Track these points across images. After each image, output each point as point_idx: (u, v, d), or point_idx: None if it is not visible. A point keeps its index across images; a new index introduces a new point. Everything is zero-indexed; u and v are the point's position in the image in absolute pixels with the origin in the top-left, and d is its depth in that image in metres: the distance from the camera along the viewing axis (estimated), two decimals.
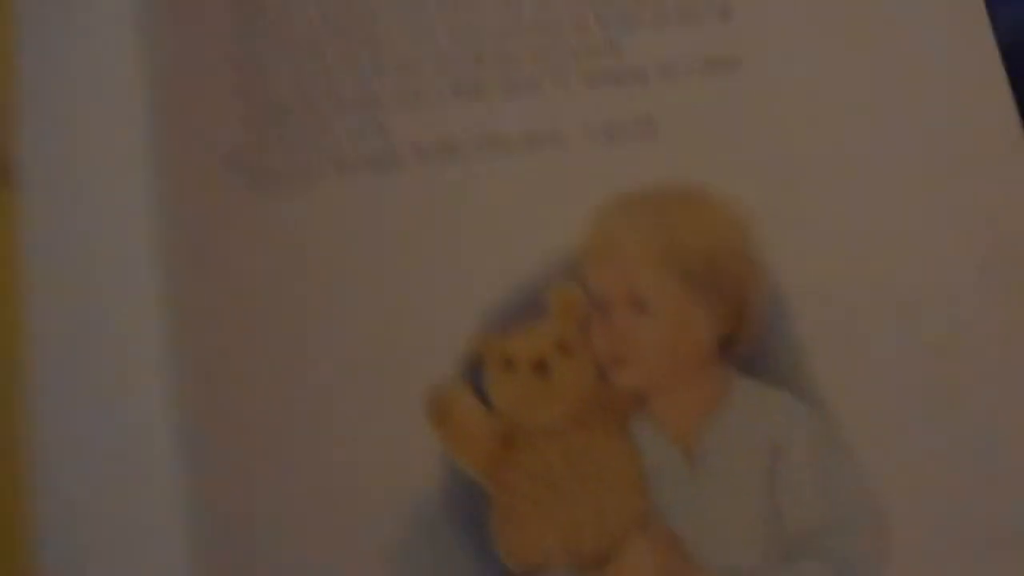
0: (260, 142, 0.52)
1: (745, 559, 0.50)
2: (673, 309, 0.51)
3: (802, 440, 0.51)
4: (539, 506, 0.51)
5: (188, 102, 0.53)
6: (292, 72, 0.53)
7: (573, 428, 0.51)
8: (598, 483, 0.51)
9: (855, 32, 0.55)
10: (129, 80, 0.53)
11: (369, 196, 0.53)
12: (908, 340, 0.51)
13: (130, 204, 0.52)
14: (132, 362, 0.51)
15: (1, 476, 0.50)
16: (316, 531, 0.50)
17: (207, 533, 0.49)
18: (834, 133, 0.53)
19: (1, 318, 0.50)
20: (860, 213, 0.52)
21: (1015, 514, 0.50)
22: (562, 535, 0.51)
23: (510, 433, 0.51)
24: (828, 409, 0.51)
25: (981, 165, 0.53)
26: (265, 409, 0.51)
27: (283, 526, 0.50)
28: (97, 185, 0.52)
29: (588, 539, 0.51)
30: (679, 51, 0.54)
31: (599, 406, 0.51)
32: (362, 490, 0.50)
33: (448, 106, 0.53)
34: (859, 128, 0.53)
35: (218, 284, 0.52)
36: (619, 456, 0.51)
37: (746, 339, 0.52)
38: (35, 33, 0.53)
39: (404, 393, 0.51)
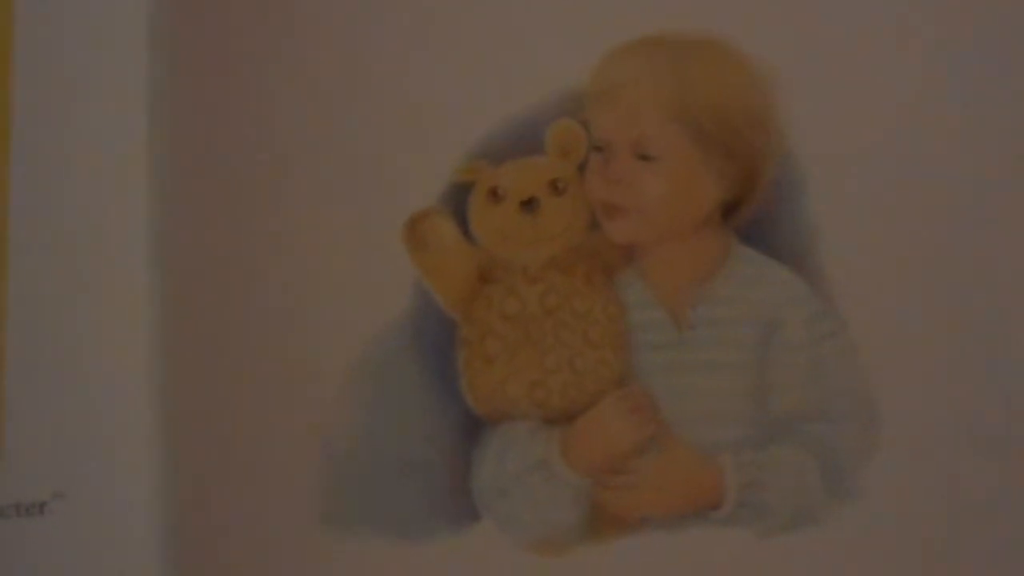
0: None
1: (725, 434, 0.47)
2: (679, 163, 0.47)
3: (800, 320, 0.47)
4: (509, 349, 0.47)
5: None
6: None
7: (556, 273, 0.47)
8: (574, 333, 0.47)
9: None
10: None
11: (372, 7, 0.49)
12: (922, 229, 0.48)
13: None
14: None
15: None
16: (286, 351, 0.46)
17: (180, 346, 0.46)
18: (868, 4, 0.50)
19: None
20: (885, 91, 0.49)
21: (999, 422, 0.47)
22: (530, 383, 0.47)
23: (489, 267, 0.47)
24: (831, 292, 0.47)
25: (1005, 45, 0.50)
26: (249, 228, 0.47)
27: (255, 344, 0.46)
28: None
29: (557, 391, 0.47)
30: None
31: (587, 254, 0.48)
32: (335, 312, 0.47)
33: None
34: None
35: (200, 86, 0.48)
36: (601, 309, 0.47)
37: (752, 207, 0.48)
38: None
39: (386, 217, 0.47)
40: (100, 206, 0.47)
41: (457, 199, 0.48)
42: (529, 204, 0.48)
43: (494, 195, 0.48)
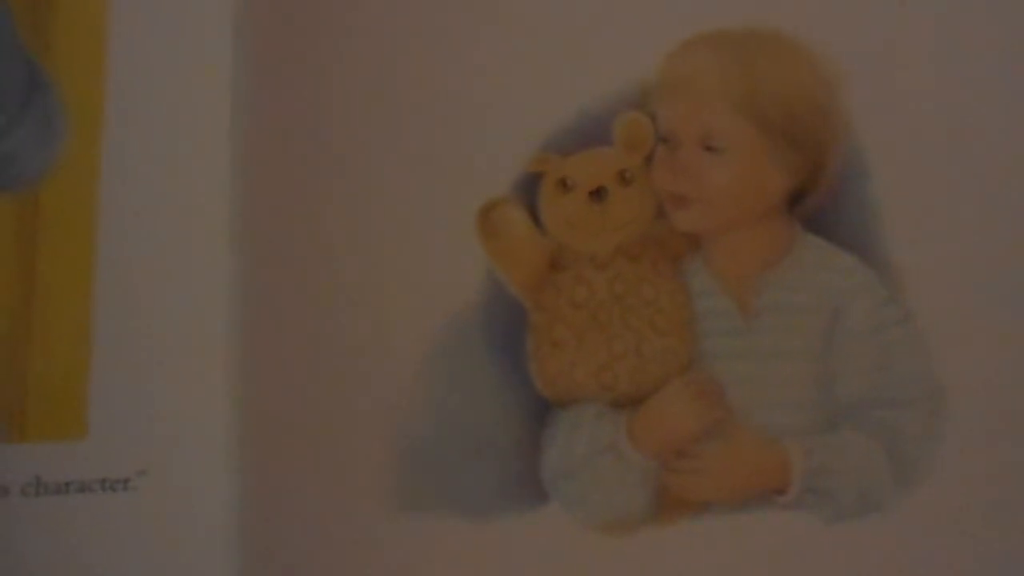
0: None
1: (790, 420, 0.47)
2: (745, 154, 0.48)
3: (865, 307, 0.48)
4: (578, 335, 0.48)
5: None
6: None
7: (623, 261, 0.48)
8: (641, 320, 0.48)
9: None
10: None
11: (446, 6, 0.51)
12: (987, 216, 0.48)
13: None
14: None
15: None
16: (361, 335, 0.48)
17: (259, 330, 0.47)
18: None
19: None
20: (949, 80, 0.50)
21: None
22: (598, 368, 0.48)
23: (558, 256, 0.49)
24: (896, 279, 0.48)
25: None
26: (326, 216, 0.48)
27: (331, 328, 0.48)
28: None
29: (624, 375, 0.48)
30: None
31: (654, 243, 0.49)
32: (409, 298, 0.48)
33: None
34: None
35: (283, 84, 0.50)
36: (668, 297, 0.48)
37: (817, 196, 0.49)
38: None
39: (459, 206, 0.48)
40: (184, 194, 0.49)
41: (528, 190, 0.49)
42: (597, 194, 0.49)
43: (563, 185, 0.49)
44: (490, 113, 0.50)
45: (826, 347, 0.48)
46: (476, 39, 0.50)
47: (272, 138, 0.49)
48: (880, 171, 0.49)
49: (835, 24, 0.49)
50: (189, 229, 0.49)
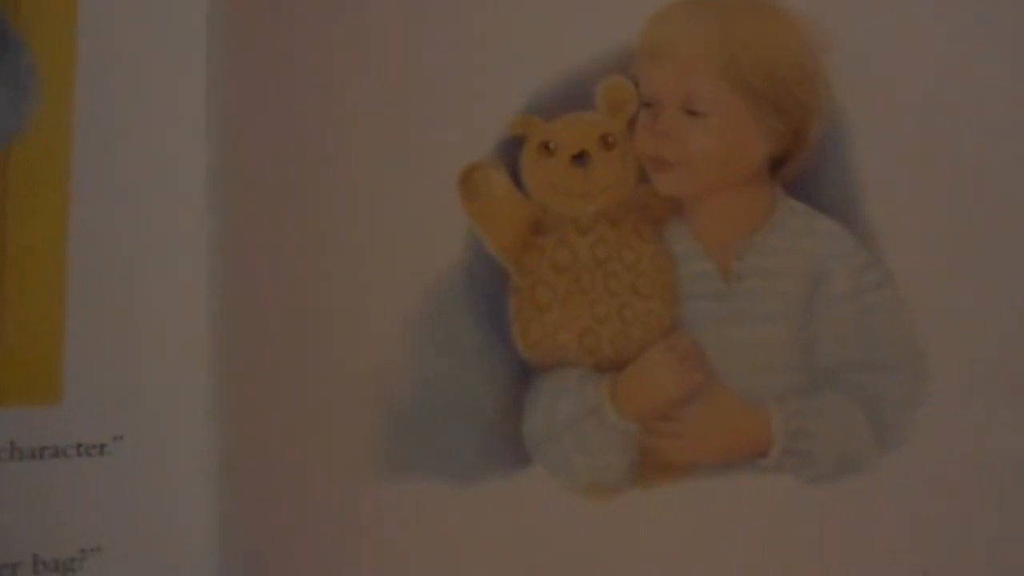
0: None
1: (771, 384, 0.47)
2: (727, 118, 0.48)
3: (846, 271, 0.48)
4: (560, 298, 0.48)
5: None
6: None
7: (606, 225, 0.48)
8: (624, 284, 0.48)
9: None
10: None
11: None
12: (967, 181, 0.49)
13: None
14: None
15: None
16: (342, 298, 0.47)
17: (237, 294, 0.47)
18: None
19: None
20: (931, 45, 0.50)
21: None
22: (580, 331, 0.48)
23: (540, 219, 0.48)
24: (877, 244, 0.48)
25: None
26: (305, 180, 0.48)
27: (311, 292, 0.47)
28: None
29: (607, 339, 0.48)
30: None
31: (636, 207, 0.48)
32: (390, 261, 0.47)
33: None
34: None
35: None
36: (650, 260, 0.48)
37: (800, 161, 0.49)
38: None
39: (440, 168, 0.48)
40: (160, 155, 0.49)
41: (510, 153, 0.49)
42: (580, 158, 0.48)
43: (545, 149, 0.48)
44: (472, 76, 0.49)
45: (807, 311, 0.48)
46: (461, 3, 0.49)
47: (251, 96, 0.48)
48: (862, 136, 0.49)
49: None
50: (165, 191, 0.49)
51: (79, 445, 0.47)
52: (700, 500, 0.47)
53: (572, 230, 0.48)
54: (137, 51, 0.49)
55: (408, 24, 0.49)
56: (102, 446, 0.47)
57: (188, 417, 0.48)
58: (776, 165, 0.49)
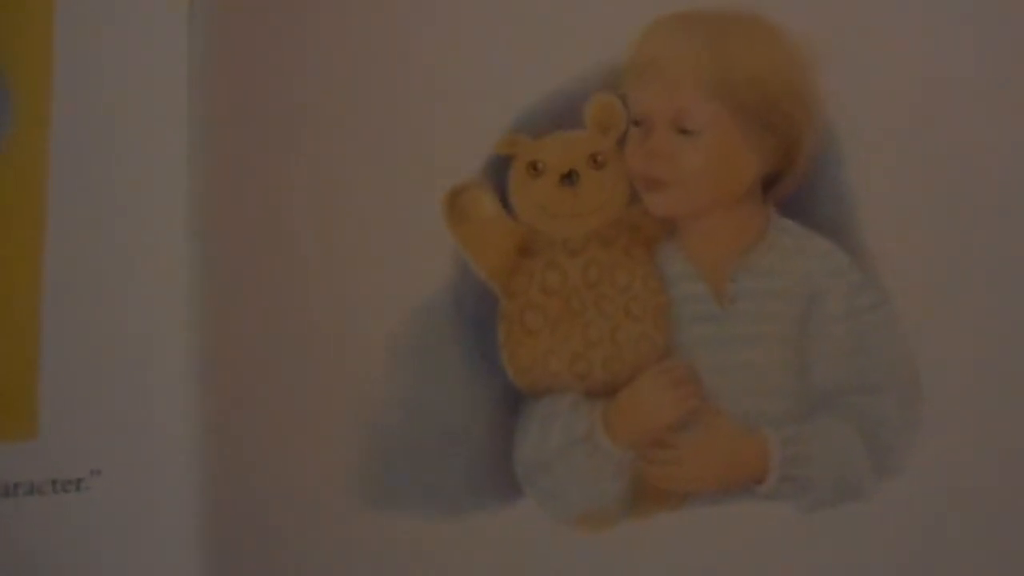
0: None
1: (768, 407, 0.46)
2: (719, 137, 0.47)
3: (841, 291, 0.47)
4: (551, 321, 0.47)
5: None
6: None
7: (596, 246, 0.47)
8: (616, 306, 0.47)
9: None
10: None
11: None
12: (961, 201, 0.48)
13: None
14: None
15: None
16: (327, 324, 0.46)
17: (219, 322, 0.45)
18: None
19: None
20: (923, 64, 0.49)
21: None
22: (572, 356, 0.46)
23: (529, 241, 0.47)
24: (871, 264, 0.47)
25: None
26: (290, 201, 0.47)
27: (295, 317, 0.46)
28: None
29: (599, 363, 0.46)
30: None
31: (627, 228, 0.47)
32: (376, 286, 0.46)
33: None
34: None
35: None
36: (642, 283, 0.47)
37: (792, 180, 0.48)
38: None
39: (427, 191, 0.47)
40: (137, 182, 0.47)
41: (497, 173, 0.48)
42: (569, 178, 0.47)
43: (534, 169, 0.47)
44: (459, 94, 0.48)
45: (802, 333, 0.47)
46: (446, 19, 0.48)
47: (231, 121, 0.47)
48: (855, 155, 0.48)
49: (810, 6, 0.49)
50: (143, 219, 0.47)
51: (55, 481, 0.45)
52: (696, 528, 0.46)
53: (562, 252, 0.47)
54: (114, 74, 0.48)
55: (395, 42, 0.48)
56: (79, 481, 0.46)
57: (167, 451, 0.46)
58: (768, 184, 0.48)
